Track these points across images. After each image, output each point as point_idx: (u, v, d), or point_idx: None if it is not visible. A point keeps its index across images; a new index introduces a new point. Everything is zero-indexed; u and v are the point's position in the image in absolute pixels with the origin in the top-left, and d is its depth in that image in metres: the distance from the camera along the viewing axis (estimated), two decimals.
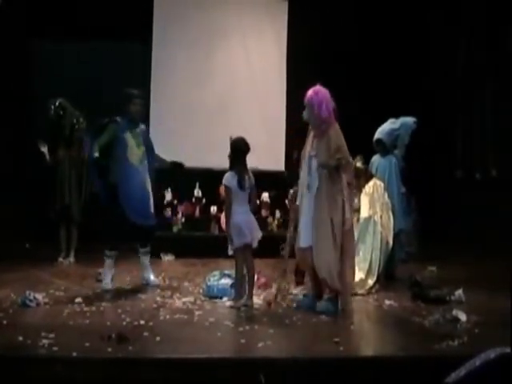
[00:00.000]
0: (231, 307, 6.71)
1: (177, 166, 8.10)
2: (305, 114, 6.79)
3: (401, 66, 12.04)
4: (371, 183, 8.31)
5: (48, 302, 6.77)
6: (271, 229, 11.27)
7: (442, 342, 5.22)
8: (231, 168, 6.82)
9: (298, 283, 8.04)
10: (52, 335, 5.28)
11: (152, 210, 7.82)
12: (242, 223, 6.73)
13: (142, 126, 7.93)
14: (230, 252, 6.86)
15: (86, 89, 10.86)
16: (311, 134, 6.80)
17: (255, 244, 6.81)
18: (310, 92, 6.70)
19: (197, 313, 6.42)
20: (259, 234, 6.87)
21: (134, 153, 7.59)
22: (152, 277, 7.97)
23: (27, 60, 11.97)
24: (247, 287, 6.84)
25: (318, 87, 6.70)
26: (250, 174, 6.91)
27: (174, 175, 9.76)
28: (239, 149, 6.84)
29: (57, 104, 9.58)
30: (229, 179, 6.76)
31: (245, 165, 6.87)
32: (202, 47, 12.12)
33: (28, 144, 10.48)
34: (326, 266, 6.45)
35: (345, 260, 6.50)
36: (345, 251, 6.49)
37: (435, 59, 12.25)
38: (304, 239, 6.62)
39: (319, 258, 6.49)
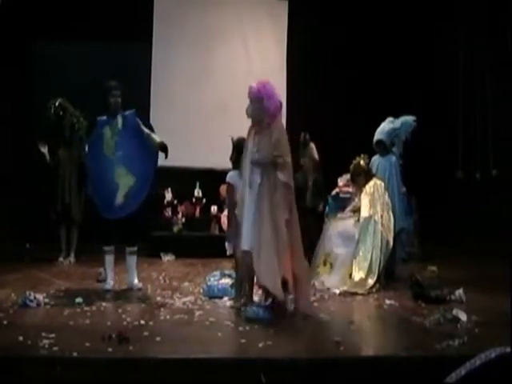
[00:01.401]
0: (231, 307, 6.71)
1: (163, 149, 7.56)
2: (248, 109, 6.53)
3: (401, 66, 12.04)
4: (372, 183, 8.31)
5: (48, 302, 6.76)
6: None
7: (443, 342, 5.21)
8: (235, 167, 6.81)
9: None
10: (52, 335, 5.27)
11: (120, 202, 7.42)
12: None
13: (126, 113, 7.63)
14: (230, 251, 6.85)
15: (85, 89, 10.83)
16: (252, 131, 6.55)
17: None
18: (256, 85, 6.45)
19: (197, 313, 6.42)
20: None
21: (108, 144, 7.47)
22: (135, 280, 7.72)
23: (28, 61, 11.97)
24: (247, 287, 6.83)
25: (264, 80, 6.50)
26: None
27: (174, 175, 9.76)
28: (242, 149, 6.78)
29: (57, 104, 9.58)
30: (233, 178, 6.75)
31: None
32: (202, 47, 12.13)
33: (28, 144, 10.47)
34: (268, 272, 6.18)
35: (295, 262, 6.28)
36: (293, 252, 6.28)
37: (436, 59, 12.24)
38: (245, 241, 6.38)
39: (260, 263, 6.21)
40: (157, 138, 7.55)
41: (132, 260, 7.72)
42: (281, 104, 6.50)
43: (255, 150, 6.40)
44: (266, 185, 6.26)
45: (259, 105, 6.37)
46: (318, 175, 8.33)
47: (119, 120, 7.60)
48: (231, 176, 6.79)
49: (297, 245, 6.36)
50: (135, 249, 7.73)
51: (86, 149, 7.60)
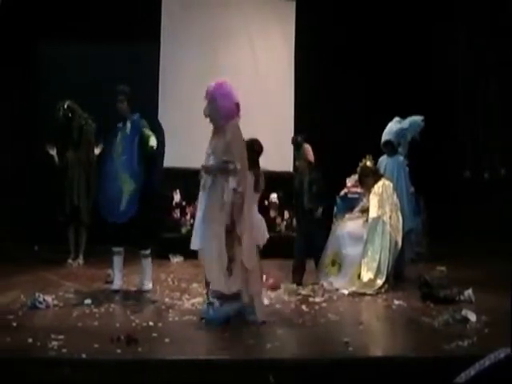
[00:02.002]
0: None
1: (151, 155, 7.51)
2: (205, 109, 6.37)
3: (408, 66, 12.01)
4: (380, 183, 8.28)
5: (57, 303, 6.79)
6: (279, 230, 11.25)
7: (452, 343, 5.20)
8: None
9: (296, 283, 8.07)
10: (61, 337, 5.29)
11: (123, 207, 7.42)
12: (255, 224, 6.72)
13: (135, 117, 7.65)
14: None
15: (94, 90, 10.87)
16: (212, 133, 6.44)
17: (261, 245, 6.81)
18: (212, 84, 6.28)
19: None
20: (266, 236, 6.87)
21: (117, 149, 7.51)
22: (145, 281, 7.68)
23: (34, 62, 12.00)
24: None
25: (222, 80, 6.33)
26: (263, 176, 6.86)
27: (182, 176, 9.76)
28: (254, 150, 6.78)
29: (65, 106, 9.61)
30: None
31: (259, 166, 6.82)
32: (209, 47, 12.13)
33: (36, 146, 10.50)
34: (212, 270, 6.16)
35: (247, 267, 6.14)
36: (243, 255, 6.11)
37: (441, 58, 12.22)
38: (194, 241, 6.38)
39: (206, 261, 6.26)
40: (154, 140, 7.47)
41: (146, 263, 7.72)
42: (238, 106, 6.26)
43: (210, 153, 6.29)
44: (215, 188, 6.17)
45: (213, 105, 6.22)
46: (314, 177, 8.27)
47: (128, 125, 7.62)
48: None
49: (246, 248, 6.14)
50: (148, 252, 7.73)
51: (97, 149, 7.60)
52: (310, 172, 8.33)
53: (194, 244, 6.36)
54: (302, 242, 8.29)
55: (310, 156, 8.42)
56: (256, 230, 6.69)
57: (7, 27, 11.13)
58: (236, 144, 6.14)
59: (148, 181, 7.53)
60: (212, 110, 6.25)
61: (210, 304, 6.21)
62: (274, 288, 7.77)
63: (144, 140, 7.47)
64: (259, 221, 6.86)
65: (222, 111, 6.17)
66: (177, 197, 11.46)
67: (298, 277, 8.20)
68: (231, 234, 6.02)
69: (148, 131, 7.49)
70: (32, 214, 11.08)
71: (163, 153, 7.71)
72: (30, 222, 11.04)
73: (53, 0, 11.55)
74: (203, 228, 6.21)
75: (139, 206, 7.39)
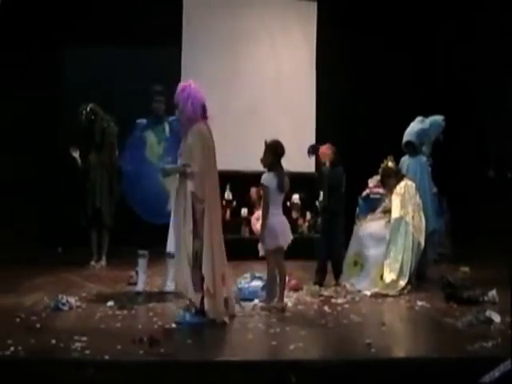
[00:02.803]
0: (262, 309, 6.70)
1: None
2: (176, 112, 6.43)
3: (430, 65, 11.95)
4: (402, 184, 8.24)
5: (80, 305, 6.83)
6: (302, 231, 11.23)
7: (476, 344, 5.17)
8: (270, 170, 6.81)
9: (317, 283, 8.07)
10: (84, 338, 5.32)
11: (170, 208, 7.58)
12: (277, 225, 6.74)
13: (171, 118, 7.64)
14: (262, 253, 6.84)
15: (115, 93, 10.92)
16: None
17: (286, 247, 6.82)
18: (178, 88, 6.29)
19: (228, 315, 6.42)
20: (291, 237, 6.87)
21: (154, 150, 7.52)
22: (168, 282, 7.67)
23: (58, 65, 12.06)
24: (278, 289, 6.84)
25: (187, 83, 6.32)
26: (287, 177, 6.89)
27: None
28: (278, 151, 6.83)
29: (88, 109, 9.65)
30: (268, 180, 6.76)
31: (282, 167, 6.85)
32: (230, 49, 12.12)
33: (60, 149, 10.56)
34: (181, 277, 6.16)
35: (214, 269, 6.13)
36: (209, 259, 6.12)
37: (463, 56, 12.13)
38: (169, 244, 6.51)
39: (176, 268, 6.32)
40: None
41: (170, 262, 7.64)
42: (203, 108, 6.27)
43: (179, 154, 6.33)
44: (180, 191, 6.21)
45: (178, 107, 6.27)
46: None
47: (166, 126, 7.65)
48: (265, 178, 6.78)
49: (210, 252, 6.14)
50: (172, 252, 7.71)
51: (117, 152, 7.60)
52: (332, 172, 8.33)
53: (170, 246, 6.54)
54: (325, 243, 8.29)
55: (324, 156, 8.42)
56: (280, 231, 6.72)
57: (31, 31, 11.24)
58: (195, 147, 6.12)
59: None
60: (178, 113, 6.33)
61: (186, 310, 6.25)
62: (297, 289, 7.78)
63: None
64: (283, 222, 6.87)
65: (184, 114, 6.22)
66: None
67: (319, 277, 8.19)
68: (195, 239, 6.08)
69: None
70: (55, 216, 11.14)
71: None
72: (54, 224, 11.10)
73: (74, 3, 11.60)
74: (173, 232, 6.33)
75: None
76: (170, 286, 7.62)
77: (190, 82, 6.35)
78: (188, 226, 6.04)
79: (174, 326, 5.94)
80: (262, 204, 6.94)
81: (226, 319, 6.11)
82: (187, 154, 6.14)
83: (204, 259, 6.05)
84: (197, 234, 6.06)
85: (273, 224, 6.71)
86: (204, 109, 6.25)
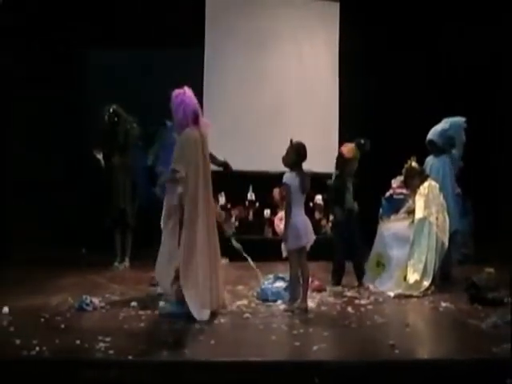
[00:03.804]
0: (285, 310, 6.70)
1: (225, 167, 7.66)
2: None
3: (456, 66, 11.87)
4: (426, 184, 8.20)
5: (104, 306, 6.86)
6: (325, 231, 11.21)
7: (500, 345, 5.13)
8: (292, 169, 6.82)
9: (334, 284, 8.05)
10: (108, 339, 5.35)
11: None
12: (300, 225, 6.73)
13: None
14: (285, 254, 6.84)
15: (139, 94, 10.96)
16: None
17: (308, 247, 6.81)
18: (173, 94, 6.56)
19: (251, 316, 6.43)
20: (313, 237, 6.86)
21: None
22: None
23: (81, 68, 12.14)
24: (301, 290, 6.83)
25: (181, 90, 6.56)
26: (308, 177, 6.91)
27: (226, 178, 9.78)
28: (301, 153, 6.86)
29: (111, 111, 9.69)
30: (290, 179, 6.76)
31: (302, 169, 6.88)
32: (253, 50, 12.13)
33: (82, 150, 10.62)
34: (160, 272, 6.54)
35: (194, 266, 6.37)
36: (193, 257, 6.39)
37: (491, 57, 12.03)
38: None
39: (158, 263, 6.59)
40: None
41: None
42: (194, 114, 6.48)
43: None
44: (168, 195, 6.51)
45: (172, 113, 6.57)
46: (356, 178, 8.31)
47: None
48: (288, 177, 6.79)
49: (199, 255, 6.40)
50: None
51: (150, 156, 7.61)
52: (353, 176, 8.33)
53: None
54: (344, 244, 8.27)
55: (349, 153, 8.40)
56: (303, 231, 6.74)
57: (54, 34, 11.31)
58: (182, 152, 6.38)
59: None
60: (173, 119, 6.63)
61: (166, 301, 6.52)
62: (320, 290, 7.76)
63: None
64: (306, 221, 6.87)
65: (176, 121, 6.54)
66: (222, 199, 11.48)
67: (336, 278, 8.18)
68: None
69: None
70: (79, 218, 11.20)
71: None
72: (78, 225, 11.17)
73: (97, 6, 11.67)
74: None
75: None
76: None
77: (185, 88, 6.57)
78: (172, 225, 6.40)
79: (197, 326, 5.95)
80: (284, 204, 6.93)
81: (206, 315, 6.29)
82: (174, 159, 6.39)
83: (184, 255, 6.33)
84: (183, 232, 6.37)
85: (295, 223, 6.70)
86: (196, 115, 6.48)
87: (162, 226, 6.66)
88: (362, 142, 8.44)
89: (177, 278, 6.35)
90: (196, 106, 6.52)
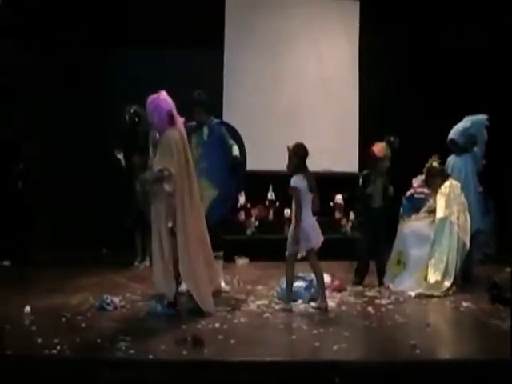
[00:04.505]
0: (282, 310, 6.74)
1: (233, 161, 7.79)
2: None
3: (479, 63, 11.78)
4: (447, 183, 8.16)
5: (125, 305, 6.89)
6: (345, 231, 11.18)
7: None
8: (297, 172, 6.83)
9: (357, 283, 8.02)
10: (129, 338, 5.38)
11: (205, 211, 7.45)
12: (310, 227, 6.78)
13: (213, 122, 7.84)
14: (301, 254, 6.85)
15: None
16: None
17: (317, 248, 6.86)
18: (148, 100, 6.71)
19: (271, 316, 6.43)
20: (321, 239, 6.93)
21: (193, 154, 7.57)
22: (222, 283, 7.79)
23: (100, 68, 12.19)
24: (320, 290, 6.83)
25: (155, 95, 6.69)
26: (313, 177, 6.95)
27: (246, 178, 9.81)
28: (301, 153, 6.89)
29: (132, 111, 9.71)
30: (299, 182, 6.79)
31: (307, 168, 6.92)
32: (273, 50, 12.13)
33: (103, 150, 10.66)
34: (156, 272, 6.63)
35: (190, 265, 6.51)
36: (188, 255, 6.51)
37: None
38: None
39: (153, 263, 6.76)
40: (236, 149, 7.72)
41: (219, 264, 7.75)
42: (169, 115, 6.57)
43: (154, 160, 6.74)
44: (156, 195, 6.64)
45: (149, 118, 6.78)
46: (386, 177, 8.27)
47: (205, 130, 7.72)
48: (296, 181, 6.83)
49: (192, 248, 6.54)
50: (221, 253, 7.80)
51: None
52: (385, 174, 8.31)
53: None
54: (368, 243, 8.24)
55: (380, 153, 8.38)
56: (312, 232, 6.82)
57: (75, 33, 11.37)
58: (167, 152, 6.49)
59: (230, 188, 7.84)
60: (151, 121, 6.83)
61: (158, 301, 6.61)
62: (340, 290, 7.74)
63: (227, 149, 7.63)
64: (315, 223, 6.92)
65: (153, 124, 6.77)
66: (242, 199, 11.48)
67: (359, 277, 8.16)
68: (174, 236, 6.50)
69: (230, 140, 7.64)
70: (100, 218, 11.24)
71: (245, 161, 7.80)
72: (98, 225, 11.21)
73: (118, 6, 11.72)
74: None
75: (221, 211, 7.68)
76: (224, 287, 7.73)
77: (160, 93, 6.70)
78: (163, 224, 6.51)
79: (217, 326, 5.96)
80: (294, 207, 6.90)
81: (211, 306, 6.51)
82: (160, 158, 6.52)
83: (180, 254, 6.47)
84: (173, 230, 6.51)
85: (306, 226, 6.73)
86: (171, 117, 6.59)
87: (152, 226, 6.77)
88: (392, 139, 8.43)
89: (176, 275, 6.55)
90: (170, 108, 6.64)
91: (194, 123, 7.74)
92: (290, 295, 6.87)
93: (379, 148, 8.36)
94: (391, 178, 8.41)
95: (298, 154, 6.87)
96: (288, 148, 6.94)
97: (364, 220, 8.49)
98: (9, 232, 9.93)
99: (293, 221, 6.87)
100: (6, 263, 9.83)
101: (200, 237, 6.71)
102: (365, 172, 8.51)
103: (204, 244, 6.77)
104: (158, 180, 6.52)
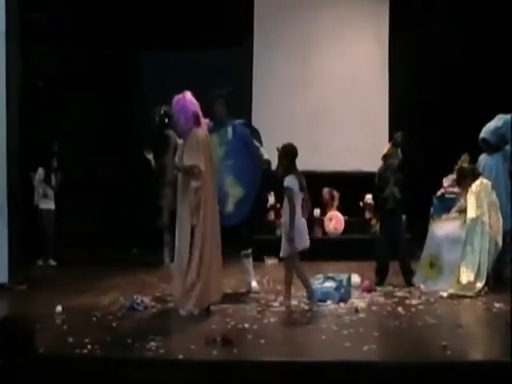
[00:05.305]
0: (281, 304, 6.86)
1: (266, 165, 7.83)
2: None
3: (504, 63, 11.68)
4: (478, 182, 8.08)
5: (155, 305, 6.93)
6: (375, 231, 11.11)
7: None
8: (289, 172, 6.85)
9: (379, 283, 7.98)
10: (159, 338, 5.39)
11: (231, 210, 7.63)
12: (302, 228, 6.85)
13: (236, 122, 7.86)
14: (284, 254, 6.91)
15: None
16: None
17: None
18: (173, 100, 6.76)
19: (301, 316, 6.42)
20: (308, 241, 6.99)
21: (215, 152, 7.55)
22: (253, 283, 7.86)
23: (130, 69, 12.28)
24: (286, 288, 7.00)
25: (181, 95, 6.72)
26: (303, 177, 6.99)
27: (275, 178, 9.81)
28: (291, 153, 6.92)
29: (162, 112, 9.75)
30: (292, 183, 6.81)
31: (296, 168, 6.95)
32: (301, 51, 12.13)
33: (133, 151, 10.72)
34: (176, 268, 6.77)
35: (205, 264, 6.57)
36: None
37: None
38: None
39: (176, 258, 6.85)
40: (265, 152, 7.75)
41: (247, 262, 7.84)
42: (194, 115, 6.63)
43: (179, 156, 6.79)
44: (182, 189, 6.71)
45: (175, 118, 6.85)
46: (400, 177, 8.24)
47: (229, 129, 7.71)
48: (289, 181, 6.82)
49: (207, 248, 6.60)
50: (249, 251, 7.83)
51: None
52: (397, 172, 8.27)
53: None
54: (386, 243, 8.21)
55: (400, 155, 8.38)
56: (304, 233, 6.87)
57: (105, 36, 11.46)
58: (196, 151, 6.58)
59: (257, 188, 7.78)
60: (175, 121, 6.87)
61: None
62: (370, 290, 7.71)
63: (253, 151, 7.67)
64: (305, 224, 6.95)
65: (179, 124, 6.81)
66: (271, 199, 11.47)
67: (380, 278, 8.12)
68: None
69: (256, 142, 7.66)
70: (130, 218, 11.31)
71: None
72: (129, 225, 11.28)
73: (145, 9, 11.78)
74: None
75: (246, 210, 7.63)
76: (254, 287, 7.80)
77: (185, 93, 6.74)
78: (190, 221, 6.56)
79: (246, 326, 5.96)
80: (287, 207, 6.83)
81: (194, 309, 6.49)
82: (188, 157, 6.57)
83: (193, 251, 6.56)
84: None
85: (298, 226, 6.77)
86: (196, 118, 6.66)
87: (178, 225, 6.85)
88: (395, 136, 8.44)
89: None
90: (196, 109, 6.70)
91: (209, 123, 7.74)
92: (289, 295, 6.97)
93: (386, 146, 8.39)
94: (409, 177, 8.39)
95: (288, 154, 6.91)
96: (277, 149, 6.99)
97: (381, 220, 8.48)
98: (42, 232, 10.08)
99: (283, 221, 6.94)
100: (53, 263, 9.98)
101: (215, 238, 6.75)
102: (378, 172, 8.51)
103: (218, 246, 6.79)
104: (188, 174, 6.58)
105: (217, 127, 7.71)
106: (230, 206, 7.61)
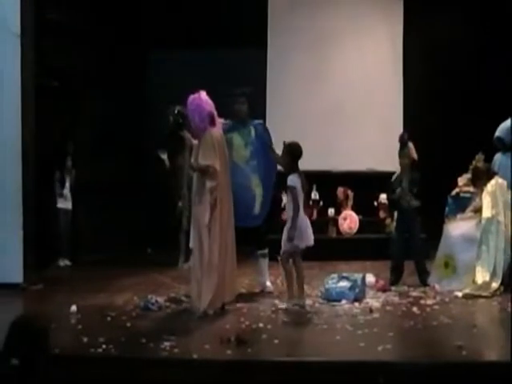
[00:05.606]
0: (286, 308, 6.77)
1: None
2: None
3: None
4: (493, 181, 8.04)
5: (169, 305, 6.94)
6: (389, 231, 11.07)
7: None
8: (292, 171, 6.87)
9: (393, 283, 7.96)
10: (173, 338, 5.41)
11: (258, 211, 7.70)
12: (305, 227, 6.90)
13: (256, 122, 7.87)
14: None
15: None
16: None
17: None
18: (188, 100, 6.75)
19: (315, 316, 6.42)
20: (313, 239, 7.04)
21: (240, 153, 7.59)
22: (267, 282, 7.85)
23: (144, 69, 12.30)
24: (288, 288, 7.02)
25: (196, 95, 6.72)
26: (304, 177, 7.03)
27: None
28: (296, 154, 6.95)
29: (176, 112, 9.75)
30: (295, 181, 6.84)
31: (298, 167, 6.98)
32: (316, 49, 12.10)
33: (147, 151, 10.75)
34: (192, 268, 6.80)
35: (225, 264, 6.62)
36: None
37: None
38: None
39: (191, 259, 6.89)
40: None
41: (263, 262, 7.85)
42: (210, 116, 6.65)
43: (195, 157, 6.82)
44: (198, 189, 6.73)
45: (190, 118, 6.85)
46: (414, 176, 8.20)
47: (252, 129, 7.72)
48: (293, 180, 6.86)
49: (222, 248, 6.63)
50: (266, 251, 7.84)
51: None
52: (411, 171, 8.23)
53: (191, 242, 7.07)
54: (401, 243, 8.19)
55: (414, 154, 8.34)
56: (306, 231, 6.93)
57: (120, 35, 11.49)
58: (211, 151, 6.58)
59: (272, 190, 7.94)
60: (190, 121, 6.89)
61: None
62: (384, 290, 7.69)
63: (272, 155, 7.62)
64: (308, 223, 7.04)
65: (193, 124, 6.79)
66: (285, 199, 11.46)
67: (394, 277, 8.10)
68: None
69: (274, 148, 7.66)
70: (145, 218, 11.34)
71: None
72: (143, 225, 11.30)
73: (160, 7, 11.81)
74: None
75: (267, 210, 7.78)
76: (268, 287, 7.79)
77: (200, 93, 6.75)
78: (205, 222, 6.53)
79: (261, 325, 5.96)
80: (291, 205, 6.93)
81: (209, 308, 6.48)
82: (204, 156, 6.57)
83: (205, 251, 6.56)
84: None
85: (301, 225, 6.82)
86: (211, 117, 6.68)
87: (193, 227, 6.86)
88: (400, 135, 8.43)
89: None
90: (211, 109, 6.72)
91: (228, 122, 7.72)
92: (292, 295, 6.95)
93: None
94: (425, 177, 8.36)
95: (292, 153, 6.95)
96: (284, 143, 7.00)
97: (396, 220, 8.46)
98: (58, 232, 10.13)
99: (285, 218, 7.03)
100: (68, 263, 10.03)
101: (230, 238, 6.78)
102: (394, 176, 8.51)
103: (233, 246, 6.83)
104: (203, 174, 6.59)
105: (237, 126, 7.70)
106: (257, 207, 7.66)
